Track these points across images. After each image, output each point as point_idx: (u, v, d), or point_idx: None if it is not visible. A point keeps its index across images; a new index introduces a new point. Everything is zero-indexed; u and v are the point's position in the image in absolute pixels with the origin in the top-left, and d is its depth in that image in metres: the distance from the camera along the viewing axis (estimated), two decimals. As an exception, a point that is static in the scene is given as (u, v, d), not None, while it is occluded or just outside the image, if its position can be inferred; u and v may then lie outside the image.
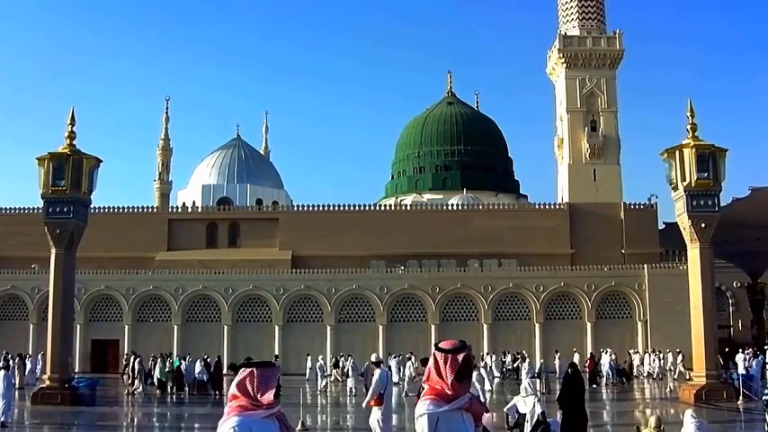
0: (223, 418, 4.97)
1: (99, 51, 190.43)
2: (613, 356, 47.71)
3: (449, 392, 5.23)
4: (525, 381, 18.46)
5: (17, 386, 39.14)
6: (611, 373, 45.49)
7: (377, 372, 17.40)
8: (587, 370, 42.97)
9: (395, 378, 41.86)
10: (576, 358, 44.53)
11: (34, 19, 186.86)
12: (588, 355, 48.39)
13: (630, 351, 54.85)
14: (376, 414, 16.80)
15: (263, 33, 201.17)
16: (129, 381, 38.40)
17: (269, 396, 4.97)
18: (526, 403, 17.79)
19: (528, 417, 17.45)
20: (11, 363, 43.28)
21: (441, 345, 5.44)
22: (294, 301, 59.46)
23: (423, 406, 5.27)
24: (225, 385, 40.72)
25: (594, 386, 41.36)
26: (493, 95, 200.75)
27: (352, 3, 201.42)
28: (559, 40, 76.08)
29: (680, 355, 49.54)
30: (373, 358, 18.63)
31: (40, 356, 44.34)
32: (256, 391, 4.98)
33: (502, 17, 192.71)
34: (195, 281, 59.33)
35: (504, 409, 19.80)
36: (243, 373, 5.05)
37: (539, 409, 17.28)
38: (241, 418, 4.92)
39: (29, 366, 46.21)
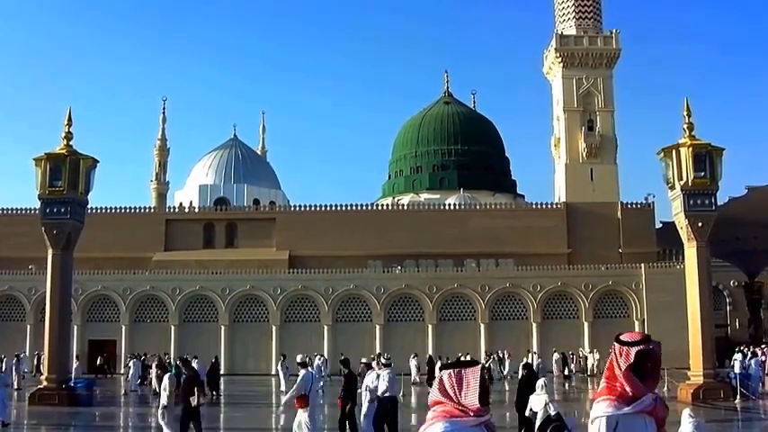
0: (425, 425, 4.39)
1: (96, 52, 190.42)
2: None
3: (629, 392, 4.66)
4: (541, 379, 18.41)
5: (15, 387, 39.18)
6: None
7: (301, 372, 17.25)
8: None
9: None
10: (534, 358, 46.99)
11: (30, 19, 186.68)
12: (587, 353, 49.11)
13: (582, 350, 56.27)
14: (301, 416, 16.62)
15: (259, 33, 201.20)
16: (147, 383, 38.60)
17: (473, 400, 4.34)
18: (538, 401, 17.84)
19: (539, 414, 17.50)
20: (4, 364, 43.44)
21: (621, 336, 4.84)
22: (291, 301, 59.45)
23: (600, 407, 4.73)
24: (222, 385, 40.83)
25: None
26: (490, 95, 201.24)
27: (350, 3, 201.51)
28: (556, 39, 76.12)
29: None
30: (298, 359, 18.64)
31: (20, 357, 44.58)
32: (458, 393, 4.38)
33: (498, 17, 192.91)
34: (192, 281, 59.31)
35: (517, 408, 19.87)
36: (443, 374, 4.47)
37: (551, 409, 17.30)
38: (447, 424, 4.30)
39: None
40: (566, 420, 14.01)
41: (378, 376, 18.54)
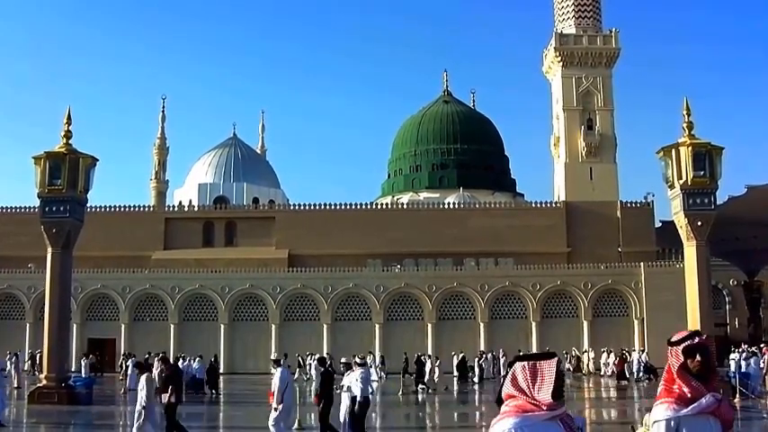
0: (497, 418, 4.25)
1: (95, 51, 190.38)
2: (643, 354, 49.14)
3: (686, 393, 4.54)
4: None
5: (15, 385, 39.23)
6: (640, 369, 46.88)
7: (277, 371, 17.32)
8: (615, 368, 46.90)
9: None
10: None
11: (30, 18, 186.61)
12: (606, 353, 52.14)
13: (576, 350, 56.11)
14: (275, 414, 16.83)
15: (259, 32, 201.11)
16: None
17: (545, 395, 4.17)
18: None
19: None
20: (8, 363, 43.42)
21: (671, 338, 4.73)
22: (291, 299, 59.44)
23: (659, 411, 4.60)
24: (222, 384, 40.85)
25: (624, 382, 44.52)
26: (489, 94, 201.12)
27: (349, 2, 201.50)
28: (555, 38, 76.13)
29: (644, 354, 50.25)
30: (273, 357, 18.68)
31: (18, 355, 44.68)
32: (531, 387, 4.22)
33: (498, 16, 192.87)
34: (192, 280, 59.29)
35: None
36: (516, 367, 4.30)
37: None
38: (518, 419, 4.15)
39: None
40: (574, 419, 14.07)
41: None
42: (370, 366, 37.68)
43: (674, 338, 4.68)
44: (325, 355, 21.49)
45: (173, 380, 18.46)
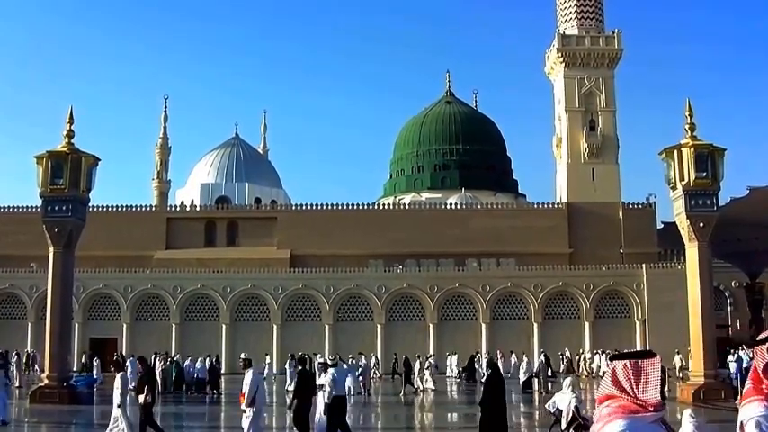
0: (601, 422, 4.03)
1: (97, 51, 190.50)
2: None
3: None
4: (568, 378, 18.54)
5: (17, 385, 39.26)
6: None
7: (248, 373, 17.35)
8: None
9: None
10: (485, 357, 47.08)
11: (32, 18, 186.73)
12: (597, 354, 49.13)
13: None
14: (247, 417, 16.89)
15: (261, 32, 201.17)
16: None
17: (653, 394, 3.98)
18: (564, 400, 18.00)
19: (564, 412, 17.68)
20: (11, 361, 43.51)
21: (758, 337, 4.51)
22: (292, 300, 59.48)
23: (750, 409, 4.42)
24: (223, 384, 40.85)
25: None
26: (491, 95, 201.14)
27: (351, 2, 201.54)
28: (558, 39, 76.09)
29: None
30: (243, 356, 18.75)
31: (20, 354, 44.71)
32: (635, 387, 4.02)
33: (500, 16, 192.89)
34: (193, 280, 59.34)
35: (546, 405, 19.95)
36: (616, 365, 4.08)
37: (573, 406, 17.48)
38: (628, 421, 3.94)
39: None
40: (587, 417, 14.12)
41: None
42: (358, 368, 37.66)
43: (761, 336, 4.49)
44: (304, 355, 21.58)
45: (148, 380, 18.50)
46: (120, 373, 19.23)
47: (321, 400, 18.77)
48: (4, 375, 27.41)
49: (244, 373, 17.50)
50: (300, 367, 19.47)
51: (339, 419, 18.22)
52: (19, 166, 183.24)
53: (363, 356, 42.38)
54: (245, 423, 16.90)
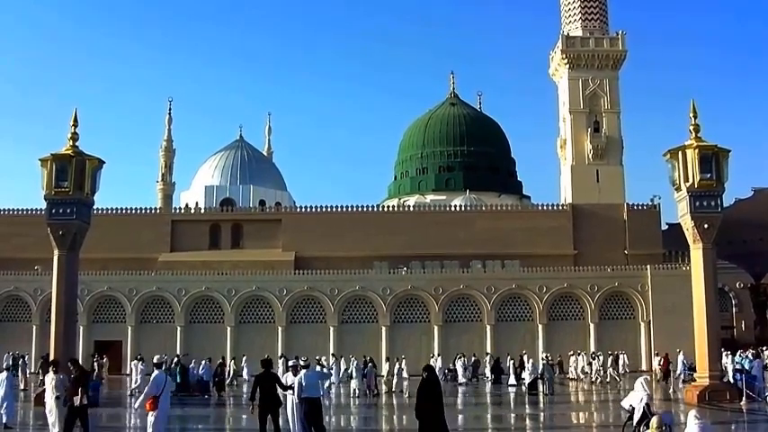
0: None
1: (102, 53, 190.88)
2: (680, 354, 47.47)
3: None
4: (641, 378, 18.73)
5: (22, 387, 39.28)
6: (684, 370, 46.24)
7: (155, 373, 17.31)
8: (660, 368, 45.95)
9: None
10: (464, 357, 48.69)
11: (37, 20, 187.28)
12: (652, 354, 52.57)
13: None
14: (149, 419, 16.86)
15: (266, 35, 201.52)
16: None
17: None
18: (636, 397, 18.18)
19: (636, 409, 17.91)
20: (19, 363, 43.56)
21: None
22: (297, 302, 59.48)
23: None
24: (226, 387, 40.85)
25: (664, 383, 43.89)
26: (496, 96, 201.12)
27: (356, 4, 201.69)
28: (562, 40, 76.15)
29: (623, 356, 50.27)
30: (155, 359, 18.72)
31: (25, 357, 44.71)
32: None
33: (505, 18, 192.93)
34: (198, 282, 59.38)
35: (621, 403, 20.05)
36: None
37: (644, 403, 17.70)
38: None
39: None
40: (662, 416, 14.25)
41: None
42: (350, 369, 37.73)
43: None
44: (268, 357, 21.55)
45: (82, 381, 18.43)
46: (51, 374, 19.32)
47: (289, 402, 19.06)
48: (13, 378, 27.42)
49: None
50: (264, 369, 19.49)
51: (312, 421, 18.29)
52: (24, 168, 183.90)
53: (369, 359, 42.11)
54: (150, 425, 16.82)
